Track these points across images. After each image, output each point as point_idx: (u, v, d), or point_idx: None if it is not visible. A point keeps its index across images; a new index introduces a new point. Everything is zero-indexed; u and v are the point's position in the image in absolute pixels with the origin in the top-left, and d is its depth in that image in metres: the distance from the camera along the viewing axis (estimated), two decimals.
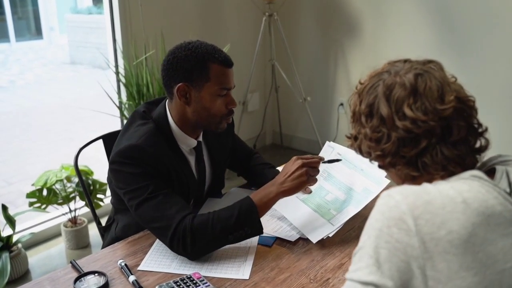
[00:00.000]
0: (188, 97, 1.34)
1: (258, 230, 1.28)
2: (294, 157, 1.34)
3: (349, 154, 1.44)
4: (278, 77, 3.83)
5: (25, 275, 2.46)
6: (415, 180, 0.86)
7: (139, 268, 1.23)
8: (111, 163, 1.34)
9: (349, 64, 3.64)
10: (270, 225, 1.42)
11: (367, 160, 1.50)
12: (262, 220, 1.28)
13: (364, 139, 0.89)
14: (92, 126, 5.18)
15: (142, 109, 1.44)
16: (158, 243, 1.33)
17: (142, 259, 1.27)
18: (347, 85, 3.70)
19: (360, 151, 0.93)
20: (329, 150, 1.49)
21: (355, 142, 0.93)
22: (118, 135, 1.41)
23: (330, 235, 1.32)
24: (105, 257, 1.28)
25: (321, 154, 1.47)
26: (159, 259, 1.27)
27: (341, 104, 3.77)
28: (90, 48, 9.07)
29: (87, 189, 2.53)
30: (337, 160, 1.40)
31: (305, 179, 1.29)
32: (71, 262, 1.24)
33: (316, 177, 1.35)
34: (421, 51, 3.30)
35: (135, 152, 1.29)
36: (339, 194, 1.41)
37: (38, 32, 11.02)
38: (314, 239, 1.32)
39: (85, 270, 1.20)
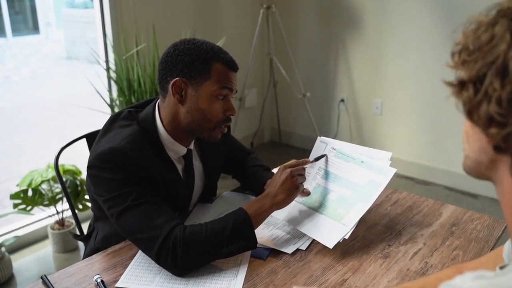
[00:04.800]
0: (183, 94, 1.21)
1: (253, 243, 1.17)
2: (281, 167, 1.27)
3: (346, 148, 1.33)
4: (277, 72, 3.70)
5: (9, 280, 2.36)
6: None
7: (118, 284, 1.10)
8: (89, 167, 1.21)
9: (350, 59, 3.51)
10: (265, 234, 1.29)
11: (366, 152, 1.36)
12: (255, 229, 1.18)
13: (502, 100, 0.54)
14: (86, 124, 5.03)
15: (127, 109, 1.31)
16: (140, 256, 1.20)
17: (122, 274, 1.14)
18: (348, 80, 3.57)
19: (469, 108, 0.59)
20: (322, 146, 1.37)
21: (470, 91, 0.58)
22: (97, 137, 1.28)
23: (346, 237, 1.20)
24: (81, 271, 1.16)
25: (313, 151, 1.38)
26: (140, 274, 1.14)
27: (342, 100, 3.64)
28: (86, 43, 8.93)
29: (73, 190, 2.45)
30: (322, 156, 1.35)
31: (297, 187, 1.24)
32: (41, 278, 1.12)
33: (313, 176, 1.34)
34: (425, 47, 3.22)
35: (116, 156, 1.16)
36: (343, 191, 1.28)
37: (35, 27, 10.88)
38: (330, 244, 1.19)
39: (56, 287, 1.08)
